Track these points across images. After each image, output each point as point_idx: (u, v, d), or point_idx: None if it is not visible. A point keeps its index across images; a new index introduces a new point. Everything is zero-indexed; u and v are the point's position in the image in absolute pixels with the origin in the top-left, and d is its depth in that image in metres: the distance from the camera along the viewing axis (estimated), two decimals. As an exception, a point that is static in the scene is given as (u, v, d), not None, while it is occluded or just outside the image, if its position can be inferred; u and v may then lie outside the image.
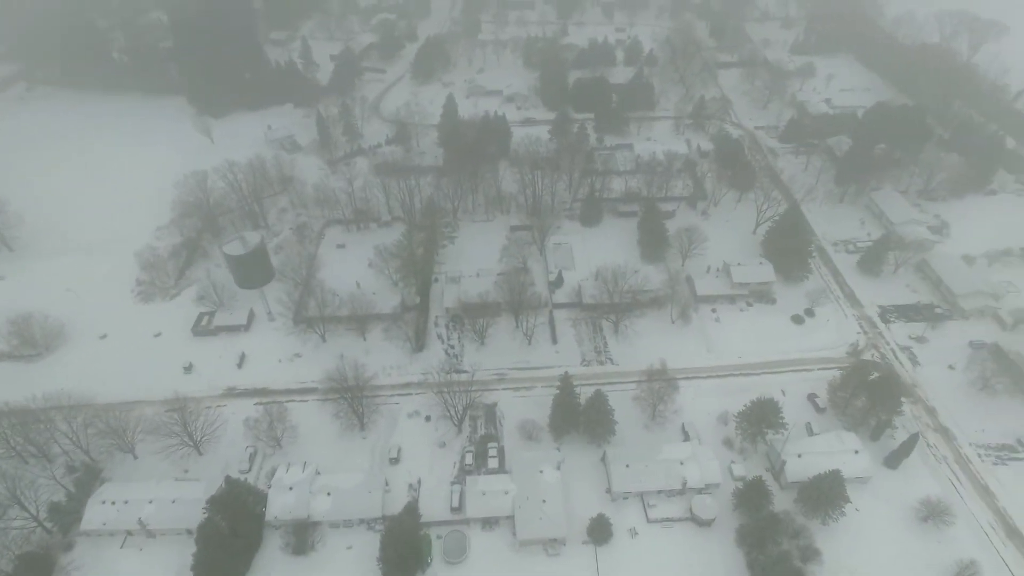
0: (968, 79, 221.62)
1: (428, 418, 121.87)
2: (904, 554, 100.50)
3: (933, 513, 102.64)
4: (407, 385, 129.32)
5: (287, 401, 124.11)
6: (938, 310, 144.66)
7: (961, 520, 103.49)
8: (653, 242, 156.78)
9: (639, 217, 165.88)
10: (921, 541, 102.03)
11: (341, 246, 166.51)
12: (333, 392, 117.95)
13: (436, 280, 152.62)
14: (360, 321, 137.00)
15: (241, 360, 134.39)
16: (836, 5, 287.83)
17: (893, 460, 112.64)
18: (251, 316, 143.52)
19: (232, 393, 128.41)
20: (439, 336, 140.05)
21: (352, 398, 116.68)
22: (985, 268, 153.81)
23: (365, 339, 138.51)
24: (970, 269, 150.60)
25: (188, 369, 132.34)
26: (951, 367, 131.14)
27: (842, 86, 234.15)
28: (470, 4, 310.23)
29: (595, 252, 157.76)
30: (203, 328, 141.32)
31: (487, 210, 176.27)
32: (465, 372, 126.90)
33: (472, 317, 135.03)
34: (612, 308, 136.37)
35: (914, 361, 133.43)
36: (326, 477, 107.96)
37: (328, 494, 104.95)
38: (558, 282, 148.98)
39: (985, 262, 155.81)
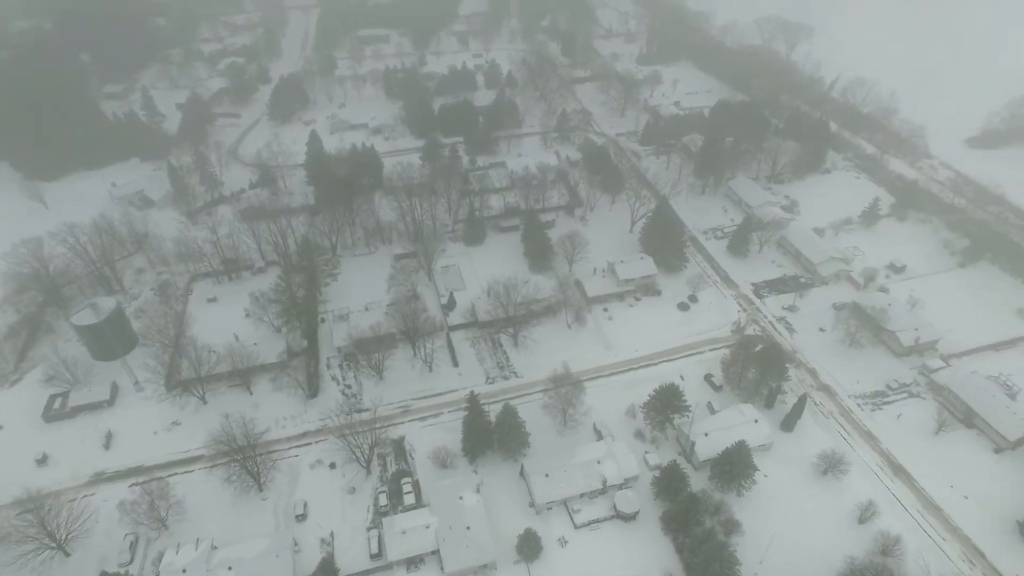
0: (790, 75, 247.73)
1: (333, 465, 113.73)
2: (813, 508, 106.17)
3: (830, 465, 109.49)
4: (305, 434, 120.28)
5: (168, 476, 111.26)
6: (802, 280, 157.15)
7: (854, 467, 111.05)
8: (539, 252, 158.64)
9: (521, 230, 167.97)
10: (825, 492, 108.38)
11: (212, 300, 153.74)
12: (221, 456, 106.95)
13: (323, 320, 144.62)
14: (243, 375, 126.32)
15: (108, 440, 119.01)
16: (670, 18, 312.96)
17: (788, 423, 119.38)
18: (114, 390, 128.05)
19: (101, 478, 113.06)
20: (333, 377, 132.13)
21: (244, 458, 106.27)
22: (833, 237, 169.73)
23: (251, 393, 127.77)
24: (821, 240, 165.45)
25: (42, 461, 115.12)
26: (822, 330, 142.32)
27: (687, 90, 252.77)
28: (322, 41, 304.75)
29: (483, 269, 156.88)
30: (56, 412, 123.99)
31: (368, 242, 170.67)
32: (366, 410, 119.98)
33: (366, 352, 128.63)
34: (508, 321, 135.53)
35: (790, 329, 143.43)
36: (225, 550, 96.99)
37: (229, 568, 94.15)
38: (451, 304, 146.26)
39: (832, 232, 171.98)
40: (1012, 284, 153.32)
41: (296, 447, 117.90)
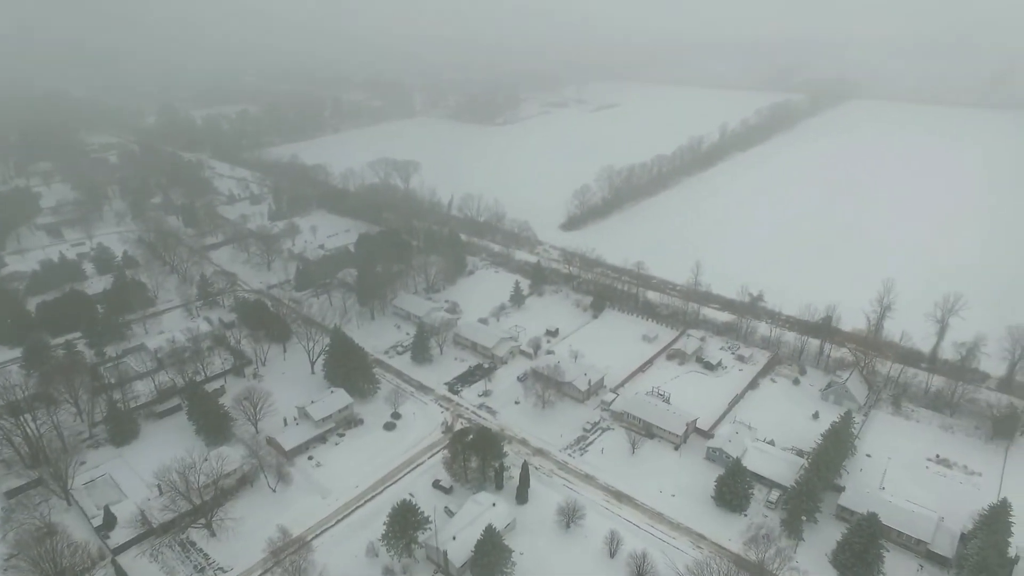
0: (414, 202, 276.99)
1: None
2: (570, 560, 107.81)
3: (570, 517, 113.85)
4: None
5: None
6: (485, 365, 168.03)
7: (588, 509, 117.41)
8: (213, 424, 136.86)
9: (185, 408, 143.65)
10: (575, 542, 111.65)
11: None
12: None
13: None
14: None
15: None
16: (291, 176, 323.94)
17: (521, 495, 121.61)
18: None
19: None
20: None
21: None
22: (497, 323, 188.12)
23: None
24: (489, 327, 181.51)
25: None
26: (517, 402, 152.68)
27: (328, 233, 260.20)
28: None
29: (145, 467, 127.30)
30: None
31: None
32: None
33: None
34: (196, 512, 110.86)
35: (491, 411, 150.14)
36: None
37: None
38: (109, 522, 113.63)
39: (495, 319, 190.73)
40: (631, 320, 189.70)
41: None
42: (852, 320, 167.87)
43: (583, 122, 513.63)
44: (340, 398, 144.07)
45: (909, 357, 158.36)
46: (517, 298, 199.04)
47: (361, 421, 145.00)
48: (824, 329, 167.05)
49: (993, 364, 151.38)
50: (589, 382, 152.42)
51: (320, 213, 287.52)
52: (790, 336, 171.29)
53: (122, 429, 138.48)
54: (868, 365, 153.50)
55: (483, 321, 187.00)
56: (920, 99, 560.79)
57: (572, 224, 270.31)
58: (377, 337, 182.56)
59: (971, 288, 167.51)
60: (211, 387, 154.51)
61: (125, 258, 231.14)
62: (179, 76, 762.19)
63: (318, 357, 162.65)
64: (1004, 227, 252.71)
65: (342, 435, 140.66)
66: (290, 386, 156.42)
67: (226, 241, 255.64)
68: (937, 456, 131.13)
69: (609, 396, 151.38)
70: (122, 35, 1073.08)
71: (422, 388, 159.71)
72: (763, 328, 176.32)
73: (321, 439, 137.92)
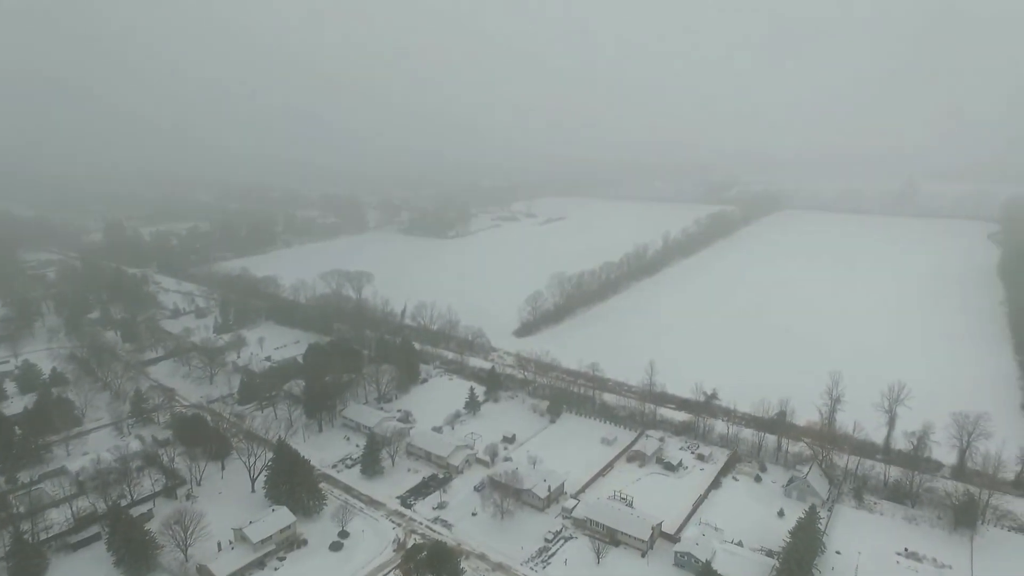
0: (366, 312, 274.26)
1: None
2: None
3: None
4: None
5: None
6: (440, 476, 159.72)
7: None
8: (135, 553, 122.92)
9: (106, 536, 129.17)
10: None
11: None
12: None
13: None
14: None
15: None
16: (240, 288, 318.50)
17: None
18: None
19: None
20: None
21: None
22: (452, 431, 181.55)
23: None
24: (443, 436, 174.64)
25: None
26: (474, 514, 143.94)
27: (276, 345, 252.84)
28: None
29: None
30: None
31: None
32: None
33: None
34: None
35: (447, 525, 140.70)
36: None
37: None
38: None
39: (449, 427, 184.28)
40: (589, 423, 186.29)
41: None
42: (805, 413, 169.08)
43: (533, 234, 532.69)
44: (282, 517, 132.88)
45: (864, 449, 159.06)
46: (472, 405, 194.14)
47: (305, 542, 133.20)
48: (780, 424, 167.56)
49: (944, 452, 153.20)
50: (549, 489, 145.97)
51: (268, 325, 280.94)
52: (747, 433, 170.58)
53: (27, 566, 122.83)
54: (826, 458, 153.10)
55: (437, 430, 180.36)
56: (840, 209, 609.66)
57: (526, 330, 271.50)
58: (325, 450, 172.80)
59: (911, 377, 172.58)
60: (137, 511, 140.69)
61: (53, 375, 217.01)
62: (130, 196, 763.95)
63: (260, 473, 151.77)
64: (928, 318, 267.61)
65: (283, 559, 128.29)
66: (227, 506, 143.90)
67: (167, 355, 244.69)
68: (906, 550, 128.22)
69: (570, 502, 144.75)
70: (73, 158, 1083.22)
71: (372, 503, 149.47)
72: (720, 426, 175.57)
73: (259, 564, 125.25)
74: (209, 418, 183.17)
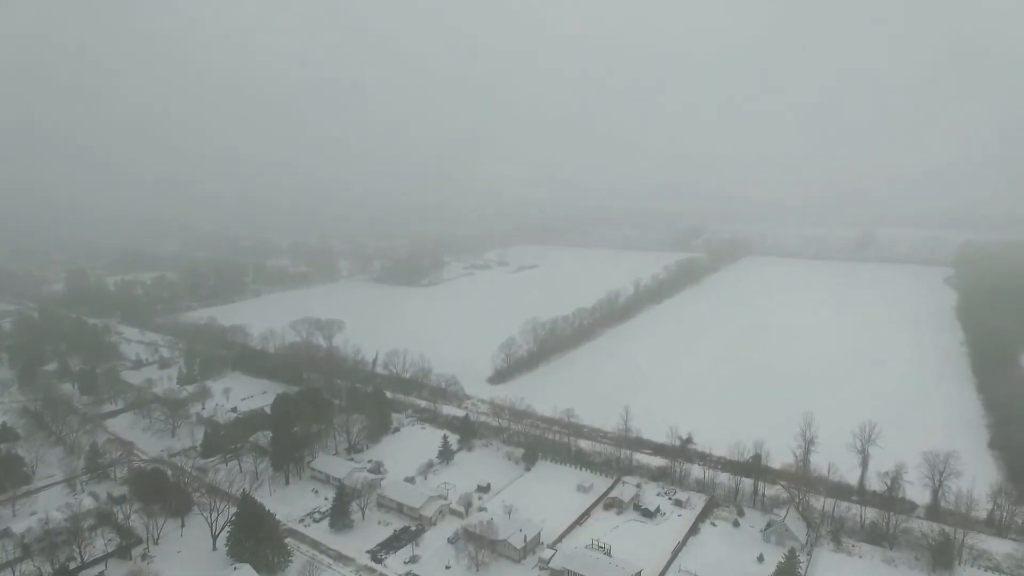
0: (337, 361, 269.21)
1: None
2: None
3: None
4: None
5: None
6: (413, 528, 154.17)
7: None
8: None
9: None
10: None
11: None
12: None
13: None
14: None
15: None
16: (206, 340, 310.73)
17: None
18: None
19: None
20: None
21: None
22: (424, 481, 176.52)
23: None
24: (416, 486, 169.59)
25: None
26: (448, 567, 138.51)
27: (242, 396, 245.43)
28: None
29: None
30: None
31: None
32: None
33: None
34: None
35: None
36: None
37: None
38: None
39: (422, 477, 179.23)
40: (564, 471, 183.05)
41: None
42: (780, 455, 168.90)
43: (506, 281, 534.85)
44: (244, 574, 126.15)
45: (840, 490, 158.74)
46: (446, 454, 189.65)
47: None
48: (755, 468, 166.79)
49: (917, 492, 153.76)
50: (525, 539, 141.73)
51: (235, 375, 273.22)
52: (724, 477, 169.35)
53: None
54: (803, 501, 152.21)
55: (409, 480, 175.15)
56: (805, 255, 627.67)
57: (500, 377, 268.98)
58: (291, 503, 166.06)
59: (881, 416, 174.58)
60: (88, 574, 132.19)
61: (2, 431, 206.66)
62: (95, 244, 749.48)
63: (222, 530, 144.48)
64: (893, 359, 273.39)
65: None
66: (186, 566, 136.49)
67: (127, 407, 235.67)
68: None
69: (547, 553, 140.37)
70: (34, 206, 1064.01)
71: (341, 558, 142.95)
72: (697, 470, 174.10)
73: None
74: (169, 472, 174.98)
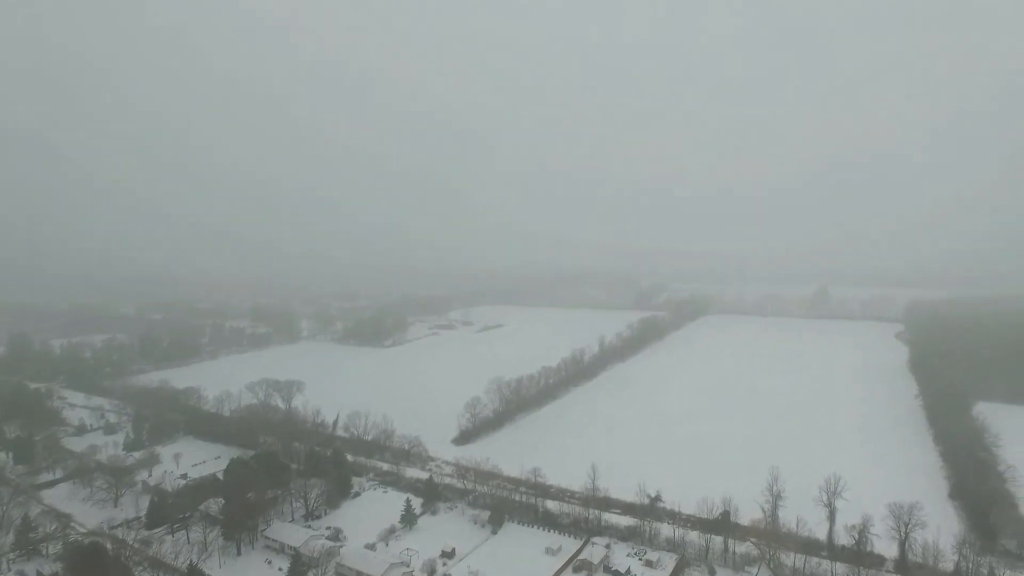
0: (295, 423, 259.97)
1: None
2: None
3: None
4: None
5: None
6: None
7: None
8: None
9: None
10: None
11: None
12: None
13: None
14: None
15: None
16: (157, 403, 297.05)
17: None
18: None
19: None
20: None
21: None
22: (386, 548, 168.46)
23: None
24: (377, 553, 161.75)
25: None
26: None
27: (193, 461, 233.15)
28: None
29: None
30: None
31: None
32: None
33: None
34: None
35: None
36: None
37: None
38: None
39: (383, 544, 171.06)
40: (532, 533, 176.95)
41: None
42: (748, 510, 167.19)
43: (470, 341, 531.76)
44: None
45: (809, 546, 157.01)
46: (408, 518, 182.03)
47: None
48: (724, 525, 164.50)
49: (884, 544, 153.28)
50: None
51: (187, 440, 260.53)
52: (693, 535, 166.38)
53: None
54: (774, 558, 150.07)
55: (370, 547, 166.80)
56: (762, 312, 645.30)
57: (465, 437, 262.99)
58: (243, 574, 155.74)
59: (844, 469, 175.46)
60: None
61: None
62: (42, 307, 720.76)
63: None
64: (852, 412, 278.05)
65: None
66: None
67: (66, 477, 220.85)
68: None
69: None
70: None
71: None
72: (666, 529, 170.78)
73: None
74: (110, 546, 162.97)
